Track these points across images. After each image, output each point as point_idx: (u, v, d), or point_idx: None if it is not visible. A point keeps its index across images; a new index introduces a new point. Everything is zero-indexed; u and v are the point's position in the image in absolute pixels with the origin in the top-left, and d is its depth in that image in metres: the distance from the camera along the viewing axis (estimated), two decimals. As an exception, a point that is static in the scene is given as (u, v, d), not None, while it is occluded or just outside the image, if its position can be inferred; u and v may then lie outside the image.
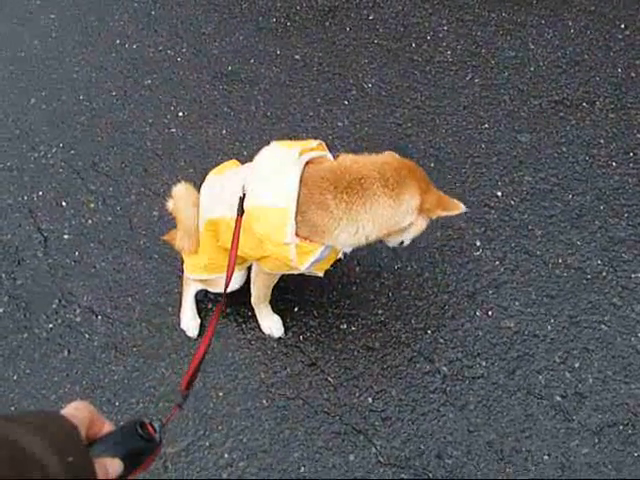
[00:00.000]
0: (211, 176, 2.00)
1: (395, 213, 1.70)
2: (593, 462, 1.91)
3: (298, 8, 3.22)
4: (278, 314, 2.21)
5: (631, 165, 2.51)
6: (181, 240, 2.00)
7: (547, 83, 2.81)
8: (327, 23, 3.14)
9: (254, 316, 2.20)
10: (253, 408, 2.08)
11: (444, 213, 1.78)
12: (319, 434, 2.02)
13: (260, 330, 2.21)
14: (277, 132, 2.74)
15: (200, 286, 2.18)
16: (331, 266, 2.27)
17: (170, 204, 2.04)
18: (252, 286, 2.09)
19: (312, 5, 3.23)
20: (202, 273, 2.03)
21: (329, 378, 2.12)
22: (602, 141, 2.60)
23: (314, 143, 1.79)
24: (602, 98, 2.73)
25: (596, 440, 1.94)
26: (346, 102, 2.83)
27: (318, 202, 1.65)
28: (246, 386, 2.13)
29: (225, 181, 1.89)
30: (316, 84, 2.91)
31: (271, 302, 2.18)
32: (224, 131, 2.78)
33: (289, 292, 2.29)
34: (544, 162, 2.56)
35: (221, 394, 2.12)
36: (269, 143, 1.81)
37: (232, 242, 1.70)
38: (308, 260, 1.72)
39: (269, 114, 2.82)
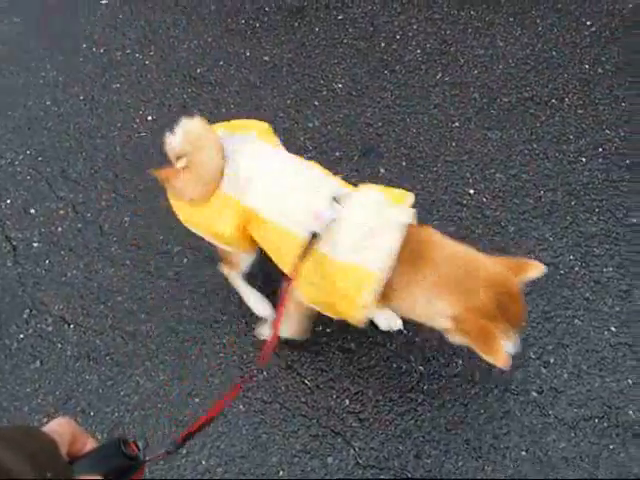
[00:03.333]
0: (237, 136, 1.69)
1: (423, 310, 1.54)
2: (570, 456, 1.92)
3: (266, 9, 3.20)
4: (253, 321, 2.19)
5: (600, 160, 2.54)
6: (186, 184, 1.61)
7: (516, 80, 2.83)
8: (296, 24, 3.13)
9: (229, 321, 2.19)
10: (230, 413, 2.06)
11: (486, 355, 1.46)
12: (297, 437, 2.01)
13: (234, 334, 2.19)
14: (248, 134, 2.71)
15: (243, 268, 1.98)
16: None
17: (174, 140, 1.64)
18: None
19: (280, 6, 3.21)
20: (215, 239, 1.72)
21: (305, 381, 2.11)
22: (571, 137, 2.62)
23: (411, 199, 1.60)
24: (570, 94, 2.76)
25: (572, 434, 1.96)
26: (316, 103, 2.82)
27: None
28: (222, 391, 2.11)
29: (287, 170, 1.65)
30: (286, 85, 2.90)
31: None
32: (195, 134, 2.74)
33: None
34: (515, 159, 2.57)
35: (197, 400, 2.09)
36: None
37: (278, 307, 1.48)
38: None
39: (239, 116, 2.79)
